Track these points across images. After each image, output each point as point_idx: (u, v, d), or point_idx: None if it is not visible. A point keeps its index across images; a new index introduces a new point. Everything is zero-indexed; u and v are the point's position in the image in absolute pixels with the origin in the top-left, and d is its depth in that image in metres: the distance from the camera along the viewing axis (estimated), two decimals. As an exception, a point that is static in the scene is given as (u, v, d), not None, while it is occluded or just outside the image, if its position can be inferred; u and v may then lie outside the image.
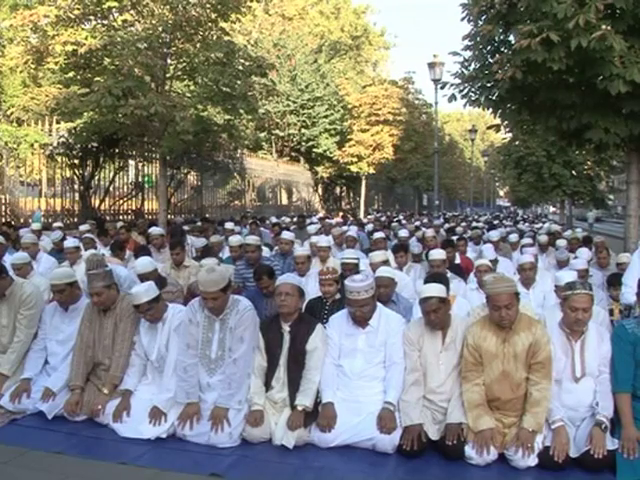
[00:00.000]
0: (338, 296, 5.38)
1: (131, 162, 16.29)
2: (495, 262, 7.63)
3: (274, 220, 14.46)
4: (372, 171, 27.28)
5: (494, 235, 10.14)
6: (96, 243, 8.65)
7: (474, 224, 18.61)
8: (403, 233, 10.20)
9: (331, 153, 27.08)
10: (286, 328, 4.46)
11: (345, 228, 10.40)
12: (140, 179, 16.58)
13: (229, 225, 11.17)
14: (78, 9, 11.35)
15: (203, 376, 4.49)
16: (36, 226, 9.85)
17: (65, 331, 4.99)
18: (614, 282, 5.97)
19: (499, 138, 36.82)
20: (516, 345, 4.01)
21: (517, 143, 23.66)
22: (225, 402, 4.29)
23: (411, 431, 4.03)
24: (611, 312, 5.89)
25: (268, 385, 4.47)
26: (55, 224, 10.27)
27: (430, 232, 9.79)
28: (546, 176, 22.95)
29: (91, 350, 4.79)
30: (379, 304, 4.56)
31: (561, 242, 9.61)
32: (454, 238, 9.72)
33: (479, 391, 4.05)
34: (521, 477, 3.81)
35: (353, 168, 26.59)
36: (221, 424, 4.20)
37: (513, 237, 10.69)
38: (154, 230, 9.18)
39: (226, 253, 8.72)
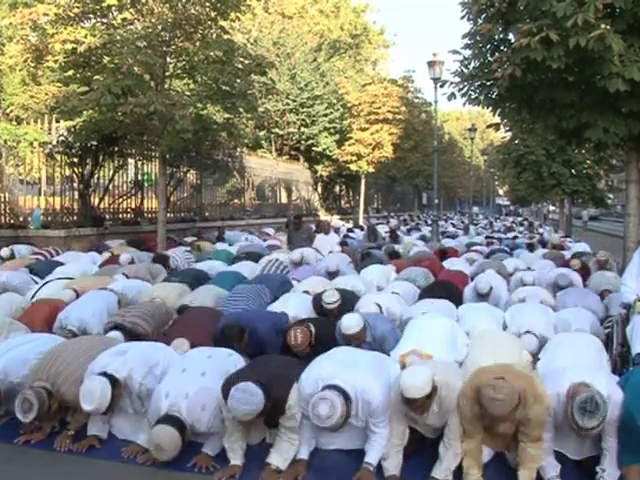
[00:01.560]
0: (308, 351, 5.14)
1: (130, 161, 16.27)
2: (488, 294, 7.47)
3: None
4: (371, 170, 27.27)
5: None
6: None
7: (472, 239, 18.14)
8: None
9: (330, 152, 27.08)
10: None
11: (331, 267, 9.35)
12: (139, 178, 16.57)
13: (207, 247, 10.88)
14: (77, 7, 11.36)
15: None
16: (4, 253, 10.09)
17: None
18: None
19: (499, 137, 36.87)
20: (509, 419, 3.73)
21: (517, 142, 23.64)
22: (211, 450, 4.09)
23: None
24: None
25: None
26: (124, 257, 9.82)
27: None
28: (545, 175, 22.95)
29: None
30: (354, 389, 3.96)
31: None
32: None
33: (476, 447, 3.86)
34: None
35: (352, 167, 26.58)
36: (205, 468, 4.00)
37: (509, 266, 9.97)
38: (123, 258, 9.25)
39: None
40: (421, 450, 4.07)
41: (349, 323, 4.87)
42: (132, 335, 5.36)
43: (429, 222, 26.67)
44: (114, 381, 4.11)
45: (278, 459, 3.96)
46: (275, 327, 5.62)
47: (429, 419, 3.92)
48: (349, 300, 6.50)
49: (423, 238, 17.86)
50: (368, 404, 3.92)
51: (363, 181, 27.92)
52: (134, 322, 5.61)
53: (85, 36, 11.08)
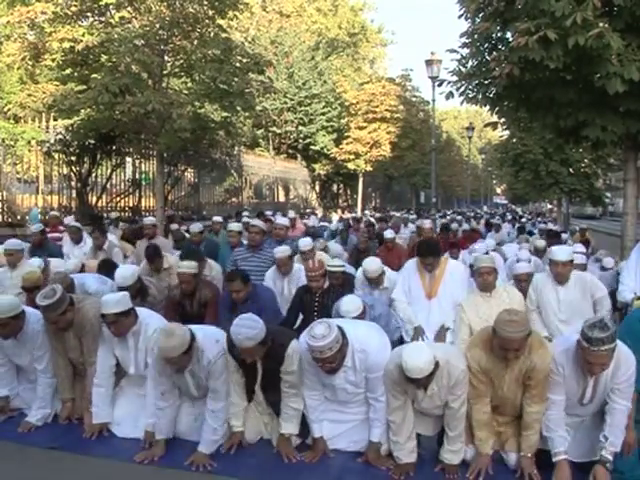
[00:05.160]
0: (326, 284, 5.45)
1: (128, 159, 16.29)
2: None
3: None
4: (369, 168, 27.29)
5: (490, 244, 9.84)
6: (82, 232, 8.47)
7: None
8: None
9: (328, 150, 27.11)
10: (258, 365, 4.15)
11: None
12: (137, 176, 16.57)
13: (217, 218, 10.98)
14: (75, 6, 11.36)
15: (188, 403, 4.40)
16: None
17: (22, 357, 4.72)
18: None
19: (496, 136, 36.81)
20: (516, 370, 3.81)
21: (514, 141, 23.64)
22: (207, 449, 4.07)
23: (401, 467, 3.90)
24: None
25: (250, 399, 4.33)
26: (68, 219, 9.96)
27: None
28: (543, 174, 22.93)
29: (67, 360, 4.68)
30: (351, 337, 3.97)
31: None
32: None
33: (487, 411, 3.91)
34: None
35: (350, 165, 26.60)
36: (202, 467, 3.99)
37: (509, 253, 10.26)
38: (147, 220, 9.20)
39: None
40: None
41: (348, 307, 4.70)
42: (141, 292, 5.47)
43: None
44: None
45: (287, 426, 4.12)
46: (276, 302, 5.77)
47: (425, 400, 3.90)
48: (349, 282, 6.41)
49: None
50: (364, 354, 3.95)
51: (361, 180, 27.94)
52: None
53: (83, 34, 11.08)
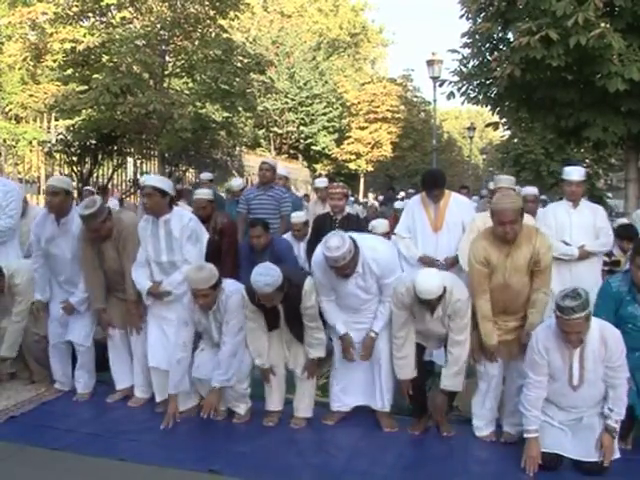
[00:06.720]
0: (347, 211, 5.72)
1: (129, 159, 16.28)
2: None
3: None
4: (370, 169, 27.28)
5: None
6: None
7: None
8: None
9: (329, 151, 27.11)
10: (279, 307, 4.42)
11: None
12: (138, 176, 16.57)
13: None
14: (76, 6, 11.39)
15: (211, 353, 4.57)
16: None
17: (61, 247, 4.78)
18: (624, 235, 5.88)
19: (497, 136, 36.76)
20: (518, 259, 4.01)
21: (515, 141, 23.64)
22: (215, 382, 4.32)
23: (405, 384, 4.26)
24: (617, 263, 5.93)
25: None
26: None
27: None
28: (544, 174, 22.91)
29: (101, 271, 4.77)
30: (363, 247, 4.22)
31: None
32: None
33: (488, 301, 4.10)
34: (519, 474, 3.83)
35: (351, 166, 26.59)
36: (213, 410, 4.30)
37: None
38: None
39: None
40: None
41: (377, 225, 5.36)
42: None
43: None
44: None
45: (313, 352, 4.41)
46: (292, 252, 6.01)
47: (432, 322, 4.15)
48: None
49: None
50: (376, 262, 4.24)
51: (362, 180, 27.92)
52: None
53: (84, 35, 11.12)
